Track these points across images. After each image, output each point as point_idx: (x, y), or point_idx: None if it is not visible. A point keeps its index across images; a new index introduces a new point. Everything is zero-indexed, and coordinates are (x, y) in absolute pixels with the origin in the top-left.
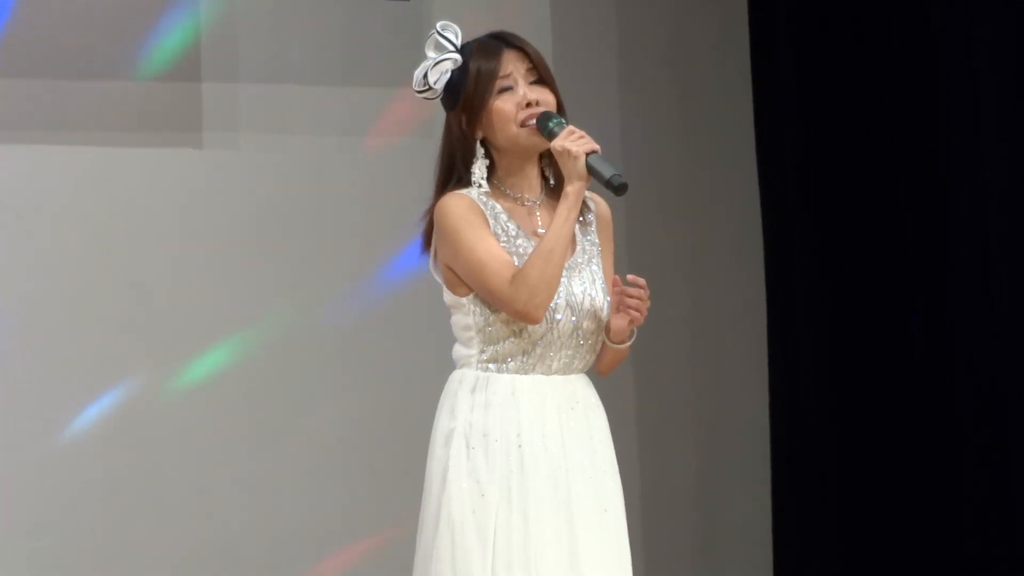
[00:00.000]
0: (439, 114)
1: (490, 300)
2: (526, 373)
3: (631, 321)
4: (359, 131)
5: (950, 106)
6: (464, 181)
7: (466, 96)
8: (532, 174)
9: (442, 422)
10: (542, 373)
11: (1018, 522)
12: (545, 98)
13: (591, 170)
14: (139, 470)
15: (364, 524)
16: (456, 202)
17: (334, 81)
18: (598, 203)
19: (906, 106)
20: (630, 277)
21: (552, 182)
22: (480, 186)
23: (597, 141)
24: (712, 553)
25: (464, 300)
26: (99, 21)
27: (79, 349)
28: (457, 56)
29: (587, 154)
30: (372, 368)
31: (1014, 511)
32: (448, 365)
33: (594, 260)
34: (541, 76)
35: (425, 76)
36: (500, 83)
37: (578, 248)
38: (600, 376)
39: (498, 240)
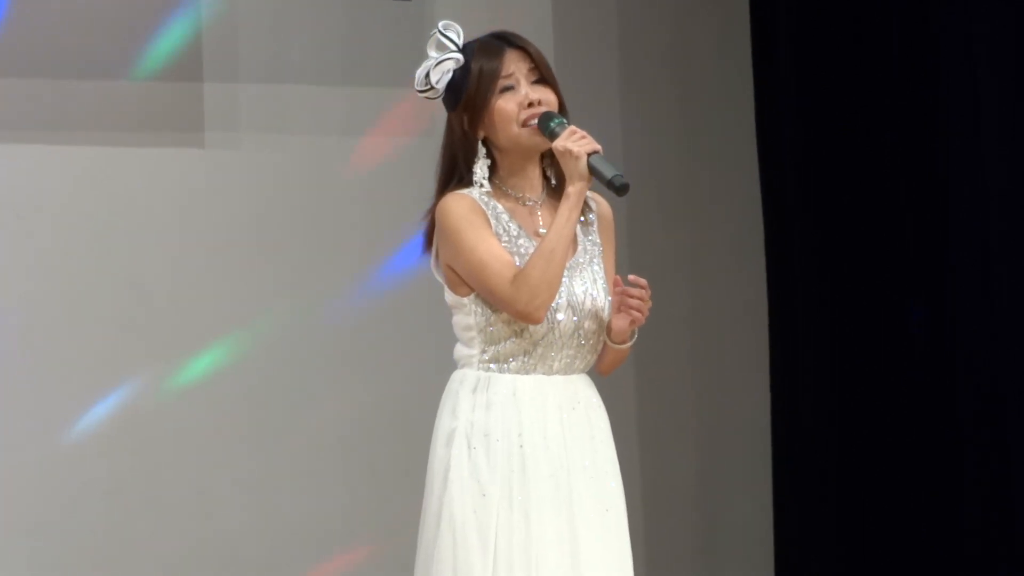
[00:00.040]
0: (440, 114)
1: (491, 300)
2: (527, 373)
3: (632, 321)
4: (359, 131)
5: (950, 106)
6: (466, 181)
7: (468, 96)
8: (534, 174)
9: (443, 422)
10: (543, 373)
11: (1018, 522)
12: (547, 98)
13: (592, 170)
14: (139, 470)
15: (364, 524)
16: (457, 202)
17: (334, 81)
18: (599, 203)
19: (906, 106)
20: (631, 277)
21: (554, 182)
22: (482, 186)
23: (598, 141)
24: (713, 553)
25: (465, 300)
26: (99, 21)
27: (79, 349)
28: (459, 56)
29: (589, 154)
30: (372, 368)
31: (1014, 511)
32: (448, 365)
33: (595, 260)
34: (543, 76)
35: (427, 76)
36: (502, 83)
37: (579, 248)
38: (601, 376)
39: (499, 240)
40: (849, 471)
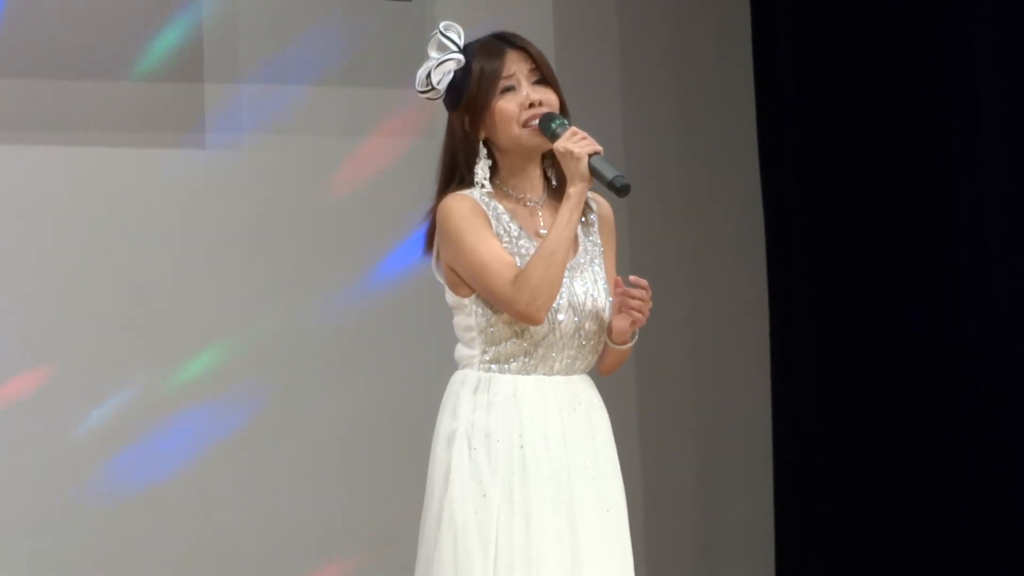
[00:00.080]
0: (441, 115)
1: (492, 301)
2: (528, 374)
3: (633, 322)
4: (359, 131)
5: (950, 106)
6: (467, 181)
7: (469, 96)
8: (535, 175)
9: (444, 423)
10: (544, 374)
11: (1018, 522)
12: (548, 98)
13: (593, 171)
14: (139, 470)
15: (364, 524)
16: (458, 203)
17: (334, 81)
18: (600, 204)
19: (906, 106)
20: (632, 278)
21: (555, 183)
22: (483, 186)
23: (598, 141)
24: (713, 553)
25: (466, 301)
26: (99, 21)
27: (79, 349)
28: (460, 56)
29: (590, 155)
30: (372, 368)
31: (1014, 511)
32: (449, 365)
33: (596, 261)
34: (544, 76)
35: (428, 76)
36: (503, 83)
37: (580, 249)
38: (602, 377)
39: (500, 241)
40: (849, 471)
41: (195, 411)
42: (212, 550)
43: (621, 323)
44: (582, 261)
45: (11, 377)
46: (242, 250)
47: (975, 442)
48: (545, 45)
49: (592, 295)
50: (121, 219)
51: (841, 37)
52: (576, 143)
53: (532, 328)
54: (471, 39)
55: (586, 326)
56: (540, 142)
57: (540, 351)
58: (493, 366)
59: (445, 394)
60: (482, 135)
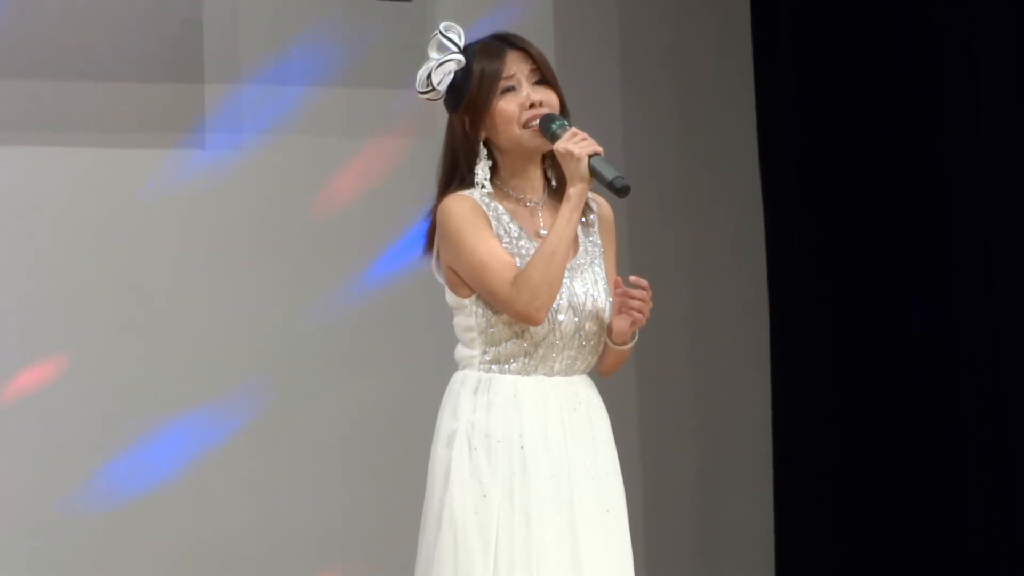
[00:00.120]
0: (441, 115)
1: (492, 301)
2: (528, 374)
3: (633, 322)
4: (360, 132)
5: (951, 105)
6: (467, 182)
7: (469, 97)
8: (535, 175)
9: (444, 423)
10: (544, 374)
11: (1019, 521)
12: (548, 99)
13: (593, 172)
14: (139, 470)
15: (364, 525)
16: (458, 203)
17: (335, 82)
18: (600, 204)
19: (907, 105)
20: (632, 278)
21: (555, 183)
22: (483, 187)
23: (598, 141)
24: (713, 553)
25: (466, 301)
26: (99, 21)
27: (79, 349)
28: (460, 57)
29: (590, 156)
30: (372, 368)
31: (1015, 510)
32: (449, 365)
33: (596, 261)
34: (544, 77)
35: (428, 77)
36: (503, 84)
37: (580, 249)
38: (602, 377)
39: (500, 241)
40: (850, 470)
41: (195, 411)
42: (212, 550)
43: (621, 323)
44: (582, 262)
45: (11, 377)
46: (242, 250)
47: (976, 441)
48: (545, 45)
49: (592, 295)
50: (121, 219)
51: (842, 36)
52: (576, 144)
53: (532, 329)
54: (471, 40)
55: (586, 326)
56: (540, 143)
57: (540, 352)
58: (493, 366)
59: (445, 394)
60: (482, 136)
